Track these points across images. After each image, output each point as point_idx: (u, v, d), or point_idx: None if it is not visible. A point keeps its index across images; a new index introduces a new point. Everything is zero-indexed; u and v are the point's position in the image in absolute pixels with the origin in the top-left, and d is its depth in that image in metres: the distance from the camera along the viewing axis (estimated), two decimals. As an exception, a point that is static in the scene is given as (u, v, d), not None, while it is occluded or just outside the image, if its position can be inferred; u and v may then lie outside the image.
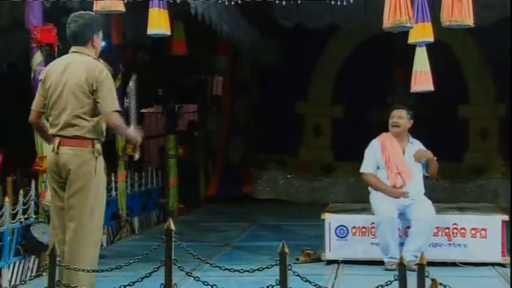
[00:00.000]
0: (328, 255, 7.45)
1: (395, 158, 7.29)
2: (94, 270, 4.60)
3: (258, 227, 10.49)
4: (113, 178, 9.25)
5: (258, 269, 3.93)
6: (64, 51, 6.58)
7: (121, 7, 6.75)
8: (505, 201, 12.15)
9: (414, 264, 6.21)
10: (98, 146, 5.22)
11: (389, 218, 7.03)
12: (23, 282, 6.40)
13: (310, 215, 9.11)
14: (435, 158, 7.37)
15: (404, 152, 7.37)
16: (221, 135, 13.68)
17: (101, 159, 5.25)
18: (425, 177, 7.50)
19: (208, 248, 8.38)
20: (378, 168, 7.38)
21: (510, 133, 10.58)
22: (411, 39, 6.79)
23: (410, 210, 7.17)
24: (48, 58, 6.80)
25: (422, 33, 6.66)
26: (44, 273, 5.79)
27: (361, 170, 7.50)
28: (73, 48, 5.41)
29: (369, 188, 7.47)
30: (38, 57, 6.86)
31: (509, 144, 10.81)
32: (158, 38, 7.61)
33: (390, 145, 7.37)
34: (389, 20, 6.58)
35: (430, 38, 6.71)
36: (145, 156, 13.46)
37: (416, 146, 7.42)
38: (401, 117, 7.37)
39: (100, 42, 5.51)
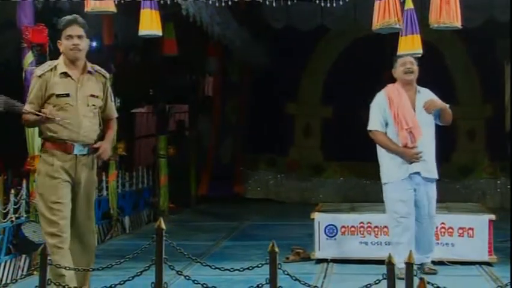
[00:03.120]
0: (317, 254, 7.45)
1: (404, 111, 6.59)
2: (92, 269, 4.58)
3: (249, 226, 10.49)
4: (104, 178, 9.24)
5: (248, 268, 3.93)
6: (55, 51, 6.56)
7: (112, 8, 6.73)
8: (491, 201, 12.23)
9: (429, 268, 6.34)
10: (44, 145, 5.38)
11: (407, 220, 6.61)
12: (14, 281, 6.37)
13: (300, 215, 9.12)
14: (448, 105, 6.79)
15: (414, 103, 6.70)
16: (212, 136, 13.68)
17: (46, 158, 5.34)
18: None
19: (199, 247, 8.37)
20: (386, 125, 6.70)
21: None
22: (400, 51, 6.75)
23: (417, 196, 6.66)
24: (40, 58, 6.78)
25: (411, 46, 6.67)
26: (35, 272, 5.78)
27: (369, 128, 6.76)
28: None
29: (383, 181, 6.77)
30: (29, 57, 6.85)
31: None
32: (150, 39, 7.59)
33: (398, 97, 6.67)
34: (378, 22, 6.61)
35: (419, 50, 6.71)
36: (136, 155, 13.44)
37: (424, 94, 6.78)
38: (412, 63, 6.73)
39: (63, 44, 5.42)
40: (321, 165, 13.77)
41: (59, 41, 5.43)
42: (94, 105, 5.44)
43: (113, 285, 3.91)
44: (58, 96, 5.29)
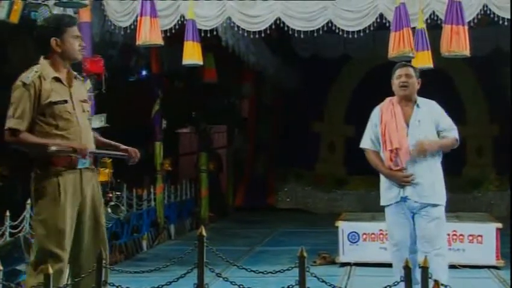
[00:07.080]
0: (341, 258, 7.44)
1: (390, 130, 5.20)
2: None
3: (280, 233, 10.47)
4: (152, 190, 9.33)
5: (279, 271, 3.90)
6: (110, 80, 6.63)
7: (159, 41, 6.82)
8: (498, 211, 12.07)
9: None
10: (44, 162, 4.11)
11: (401, 247, 5.14)
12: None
13: (325, 223, 9.09)
14: (442, 142, 5.18)
15: (408, 121, 5.21)
16: (247, 152, 13.73)
17: (48, 178, 4.10)
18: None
19: (236, 251, 8.37)
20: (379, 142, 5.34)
21: (511, 149, 10.44)
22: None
23: (416, 219, 5.18)
24: (97, 85, 6.87)
25: (422, 61, 6.67)
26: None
27: (360, 145, 5.50)
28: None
29: (381, 203, 5.33)
30: (87, 85, 6.92)
31: (511, 160, 10.72)
32: (192, 67, 7.66)
33: (389, 113, 5.28)
34: (393, 51, 6.63)
35: (430, 65, 6.70)
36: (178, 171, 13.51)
37: (424, 109, 5.22)
38: (409, 75, 5.25)
39: (68, 43, 4.19)
40: (344, 179, 13.74)
41: (55, 38, 4.13)
42: (88, 111, 4.32)
43: (160, 286, 3.92)
44: (55, 103, 4.09)
